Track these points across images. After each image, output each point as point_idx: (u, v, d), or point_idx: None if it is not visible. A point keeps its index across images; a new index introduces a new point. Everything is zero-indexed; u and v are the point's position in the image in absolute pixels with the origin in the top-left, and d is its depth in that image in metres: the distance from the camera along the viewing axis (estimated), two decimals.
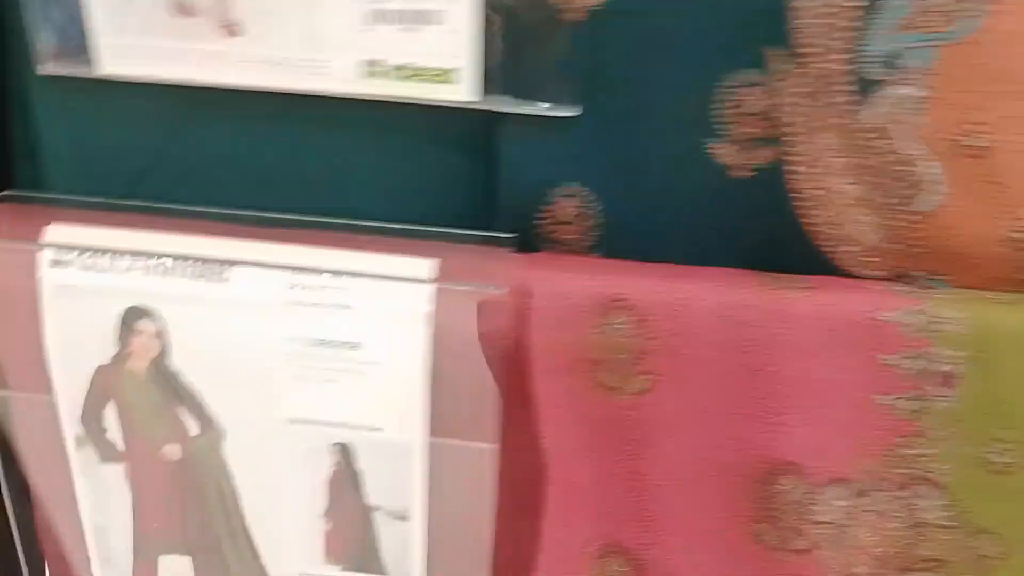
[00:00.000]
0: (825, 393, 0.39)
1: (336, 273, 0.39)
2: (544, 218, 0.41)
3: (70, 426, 0.43)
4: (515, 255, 0.40)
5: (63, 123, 0.43)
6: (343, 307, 0.39)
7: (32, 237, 0.41)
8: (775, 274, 0.39)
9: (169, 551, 0.46)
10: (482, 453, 0.42)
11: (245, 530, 0.45)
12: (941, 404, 0.38)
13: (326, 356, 0.40)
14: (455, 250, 0.40)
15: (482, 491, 0.42)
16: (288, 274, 0.39)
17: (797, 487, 0.41)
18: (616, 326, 0.39)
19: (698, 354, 0.40)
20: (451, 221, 0.41)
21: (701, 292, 0.38)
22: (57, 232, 0.40)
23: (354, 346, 0.39)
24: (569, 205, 0.41)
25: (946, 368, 0.38)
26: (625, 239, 0.41)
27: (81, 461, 0.44)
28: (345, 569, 0.45)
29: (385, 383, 0.40)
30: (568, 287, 0.39)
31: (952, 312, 0.37)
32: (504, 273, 0.39)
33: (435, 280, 0.39)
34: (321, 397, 0.41)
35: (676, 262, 0.40)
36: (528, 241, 0.41)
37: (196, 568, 0.46)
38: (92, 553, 0.46)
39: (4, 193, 0.43)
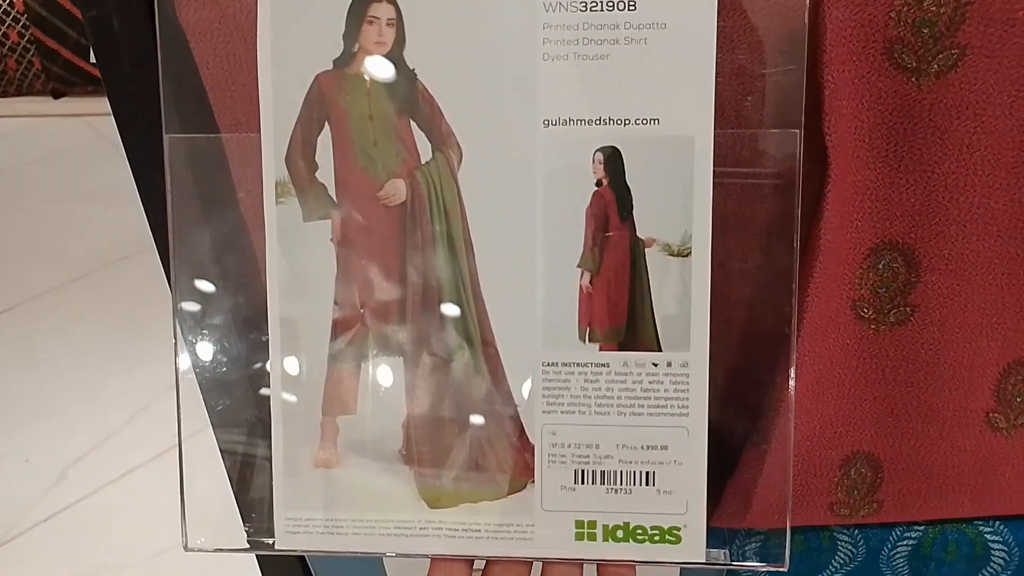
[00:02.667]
0: None
1: None
2: None
3: (272, 169, 0.35)
4: None
5: None
6: None
7: None
8: None
9: (375, 352, 0.36)
10: (783, 140, 0.34)
11: (477, 299, 0.35)
12: None
13: (593, 22, 0.34)
14: None
15: (784, 191, 0.34)
16: None
17: None
18: None
19: (1020, 17, 0.34)
20: None
21: None
22: None
23: (629, 5, 0.33)
24: None
25: None
26: None
27: (279, 221, 0.36)
28: (606, 344, 0.35)
29: (667, 52, 0.33)
30: None
31: None
32: None
33: None
34: (585, 84, 0.34)
35: None
36: None
37: (407, 371, 0.36)
38: (274, 362, 0.36)
39: None
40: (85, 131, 1.88)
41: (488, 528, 0.36)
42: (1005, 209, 0.37)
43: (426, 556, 0.37)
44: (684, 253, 0.34)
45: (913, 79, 0.35)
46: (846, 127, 0.35)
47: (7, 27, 1.76)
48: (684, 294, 0.35)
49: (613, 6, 0.33)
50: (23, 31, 1.76)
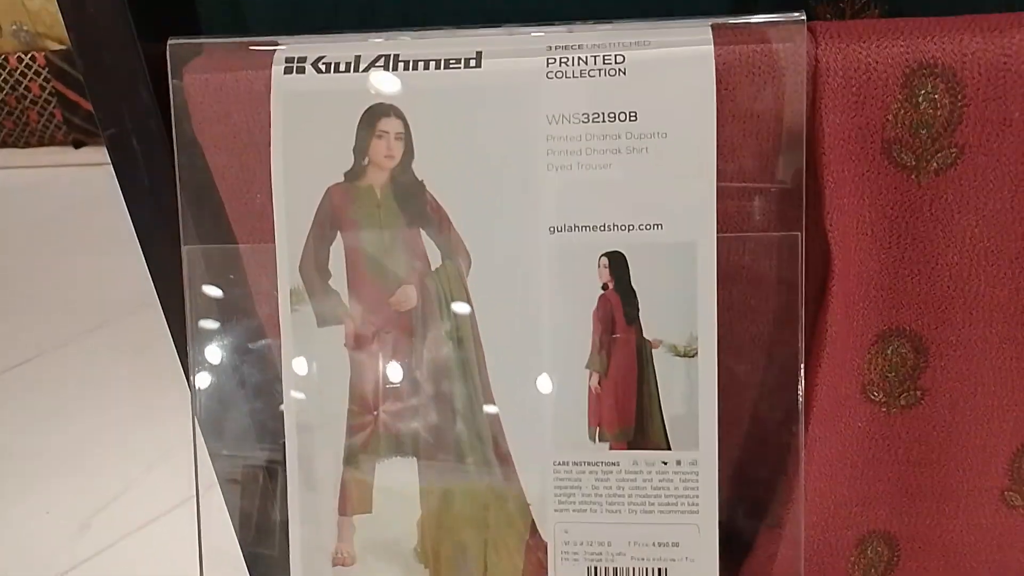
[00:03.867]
0: None
1: (603, 43, 0.35)
2: None
3: (286, 278, 0.36)
4: (797, 24, 0.36)
5: None
6: (615, 72, 0.34)
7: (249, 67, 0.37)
8: None
9: (389, 453, 0.37)
10: (785, 243, 0.35)
11: (488, 400, 0.36)
12: None
13: (595, 133, 0.34)
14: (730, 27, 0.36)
15: (787, 291, 0.35)
16: (548, 45, 0.35)
17: None
18: (923, 96, 0.35)
19: (1016, 118, 0.34)
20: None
21: None
22: (288, 47, 0.37)
23: (631, 116, 0.34)
24: None
25: None
26: None
27: (294, 327, 0.36)
28: (616, 443, 0.36)
29: (668, 160, 0.34)
30: (867, 57, 0.34)
31: None
32: (790, 47, 0.35)
33: (719, 42, 0.34)
34: (589, 192, 0.35)
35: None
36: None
37: (421, 470, 0.37)
38: (291, 464, 0.37)
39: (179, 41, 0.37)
40: (105, 179, 1.92)
41: None
42: (1011, 297, 0.37)
43: None
44: (690, 354, 0.35)
45: (912, 176, 0.35)
46: (847, 222, 0.36)
47: (29, 80, 1.80)
48: (691, 393, 0.35)
49: (615, 117, 0.34)
50: (44, 84, 1.80)
